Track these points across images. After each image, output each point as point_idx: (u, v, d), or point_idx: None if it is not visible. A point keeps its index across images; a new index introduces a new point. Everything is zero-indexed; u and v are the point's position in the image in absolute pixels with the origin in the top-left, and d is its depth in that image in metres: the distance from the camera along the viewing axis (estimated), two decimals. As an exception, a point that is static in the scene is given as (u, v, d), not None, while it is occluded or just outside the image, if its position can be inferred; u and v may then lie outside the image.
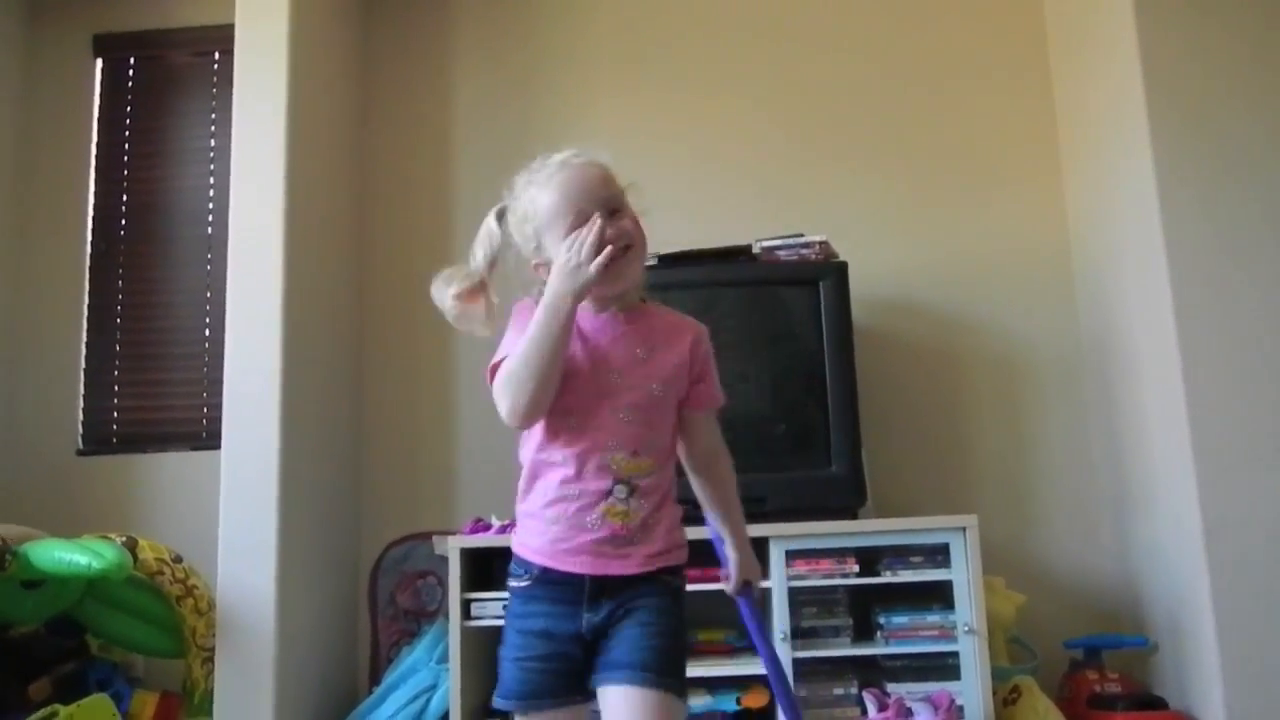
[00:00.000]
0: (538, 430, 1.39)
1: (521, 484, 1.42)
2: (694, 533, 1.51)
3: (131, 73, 3.25)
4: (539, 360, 1.31)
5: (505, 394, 1.33)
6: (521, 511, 1.42)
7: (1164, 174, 2.45)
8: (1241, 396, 2.36)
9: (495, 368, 1.39)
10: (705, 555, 1.65)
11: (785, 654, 2.35)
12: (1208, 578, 2.29)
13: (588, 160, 1.42)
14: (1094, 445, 2.90)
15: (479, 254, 1.44)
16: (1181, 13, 2.50)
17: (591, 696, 1.37)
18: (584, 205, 1.36)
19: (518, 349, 1.33)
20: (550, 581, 1.37)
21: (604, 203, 1.37)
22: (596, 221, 1.33)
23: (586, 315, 1.41)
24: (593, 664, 1.36)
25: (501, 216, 1.45)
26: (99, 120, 3.22)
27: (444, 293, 1.44)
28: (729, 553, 1.56)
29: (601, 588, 1.36)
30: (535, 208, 1.39)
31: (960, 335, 2.98)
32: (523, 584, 1.40)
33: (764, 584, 2.39)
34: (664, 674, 1.32)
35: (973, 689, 2.32)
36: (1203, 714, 2.34)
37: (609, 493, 1.35)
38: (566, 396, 1.36)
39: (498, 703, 1.39)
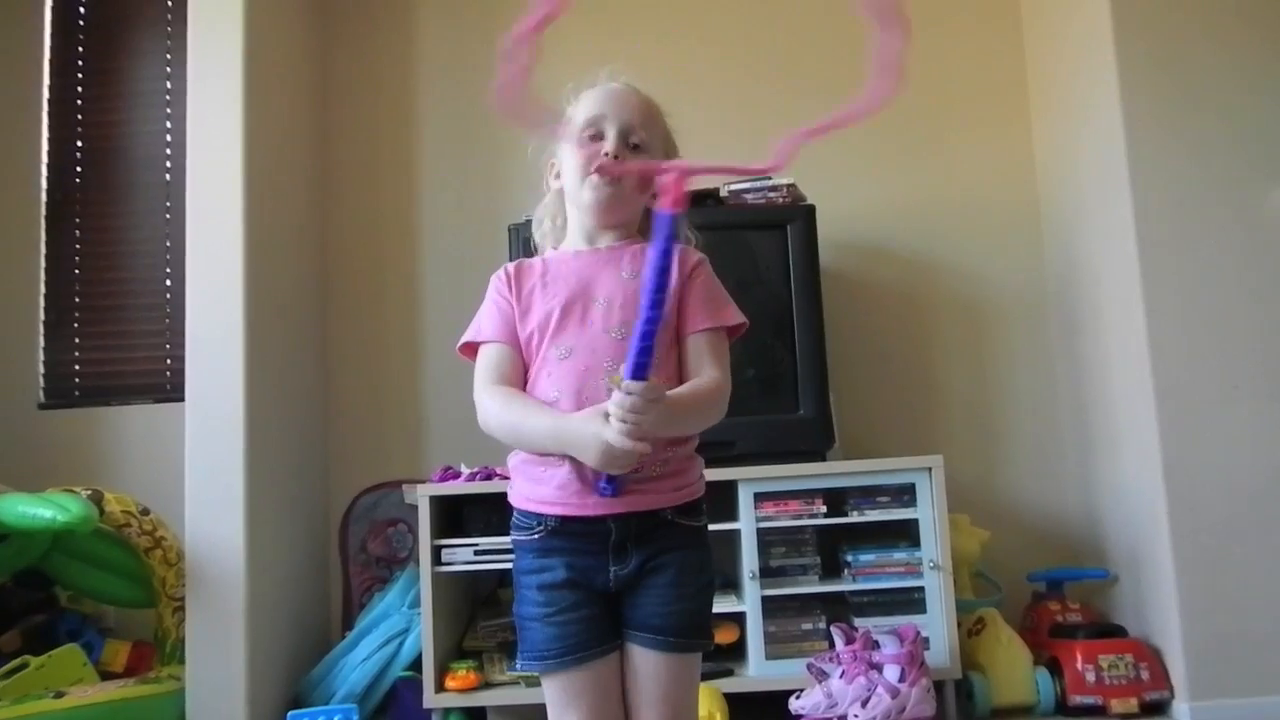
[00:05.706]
0: (529, 376, 1.33)
1: None
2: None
3: (82, 10, 3.14)
4: (518, 444, 1.31)
5: (490, 424, 1.30)
6: (519, 460, 1.32)
7: (1131, 119, 2.46)
8: (1202, 339, 2.40)
9: (469, 347, 1.36)
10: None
11: (754, 592, 2.39)
12: (1166, 513, 2.34)
13: (638, 91, 1.39)
14: (1058, 386, 2.94)
15: (548, 180, 1.44)
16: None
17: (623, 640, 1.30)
18: (606, 116, 1.33)
19: (512, 416, 1.27)
20: (569, 532, 1.27)
21: (625, 128, 1.33)
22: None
23: (579, 250, 1.37)
24: (619, 612, 1.29)
25: None
26: (50, 63, 3.10)
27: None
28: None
29: (626, 533, 1.26)
30: (573, 111, 1.38)
31: (928, 278, 3.00)
32: (533, 536, 1.29)
33: (733, 525, 2.42)
34: (691, 635, 1.28)
35: (938, 622, 2.37)
36: (1160, 641, 2.41)
37: None
38: (553, 334, 1.30)
39: (527, 666, 1.28)
